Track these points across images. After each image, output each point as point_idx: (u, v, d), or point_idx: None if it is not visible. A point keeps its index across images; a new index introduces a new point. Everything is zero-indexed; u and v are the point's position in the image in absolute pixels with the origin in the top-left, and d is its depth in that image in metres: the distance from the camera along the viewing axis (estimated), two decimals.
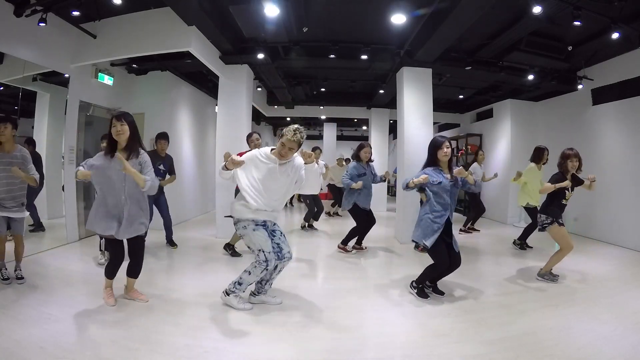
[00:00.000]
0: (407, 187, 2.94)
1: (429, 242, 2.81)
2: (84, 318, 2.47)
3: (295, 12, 4.21)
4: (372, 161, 4.54)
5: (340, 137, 13.49)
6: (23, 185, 3.04)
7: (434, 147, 2.96)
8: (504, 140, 7.44)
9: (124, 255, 2.72)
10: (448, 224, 2.90)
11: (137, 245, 2.71)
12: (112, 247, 2.69)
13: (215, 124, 5.50)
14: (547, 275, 3.51)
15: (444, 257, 2.85)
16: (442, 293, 3.07)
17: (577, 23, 3.63)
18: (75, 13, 4.12)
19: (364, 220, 4.42)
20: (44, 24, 3.68)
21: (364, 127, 12.79)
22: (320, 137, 13.20)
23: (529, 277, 3.61)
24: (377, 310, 2.77)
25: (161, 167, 4.23)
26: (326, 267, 3.95)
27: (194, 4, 3.60)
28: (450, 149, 2.92)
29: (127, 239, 2.63)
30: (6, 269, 3.10)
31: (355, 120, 11.51)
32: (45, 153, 4.33)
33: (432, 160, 2.98)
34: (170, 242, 4.52)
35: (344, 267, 3.88)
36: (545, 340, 2.29)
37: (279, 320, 2.56)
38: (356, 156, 4.47)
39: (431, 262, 2.96)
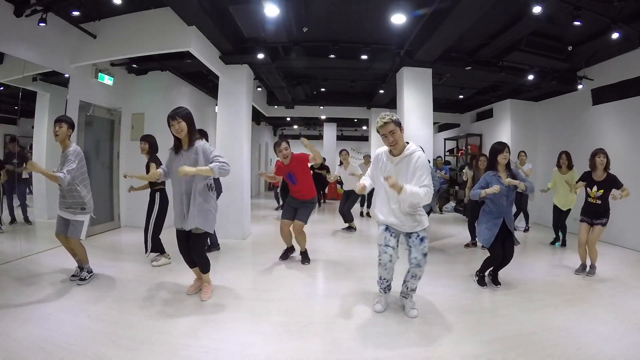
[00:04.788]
0: (479, 196, 3.21)
1: (487, 244, 3.22)
2: (84, 318, 2.47)
3: (295, 12, 4.21)
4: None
5: (340, 137, 13.51)
6: (72, 193, 3.06)
7: (495, 152, 3.25)
8: (504, 141, 7.41)
9: (185, 249, 2.87)
10: (504, 224, 3.19)
11: (193, 241, 2.80)
12: (178, 239, 2.86)
13: (215, 124, 5.50)
14: (584, 268, 3.73)
15: (497, 252, 3.23)
16: (498, 284, 3.33)
17: (577, 23, 3.64)
18: (75, 13, 4.11)
19: None
20: (44, 24, 3.69)
21: (364, 127, 12.81)
22: (320, 137, 13.22)
23: (529, 277, 3.61)
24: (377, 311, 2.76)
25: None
26: (326, 267, 3.95)
27: (194, 4, 3.60)
28: (508, 153, 3.23)
29: (190, 233, 2.77)
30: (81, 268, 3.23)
31: (355, 120, 11.53)
32: (45, 153, 4.33)
33: (491, 165, 3.30)
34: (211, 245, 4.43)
35: (344, 267, 3.88)
36: (545, 340, 2.29)
37: (279, 320, 2.56)
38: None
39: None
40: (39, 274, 3.29)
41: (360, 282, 3.45)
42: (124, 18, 4.37)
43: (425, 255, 2.61)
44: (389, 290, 2.86)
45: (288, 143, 3.91)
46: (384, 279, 2.77)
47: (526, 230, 6.15)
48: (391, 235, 2.66)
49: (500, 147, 3.24)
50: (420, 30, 4.40)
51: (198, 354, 2.08)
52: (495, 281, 3.35)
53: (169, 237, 3.93)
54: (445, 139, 10.22)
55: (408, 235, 2.65)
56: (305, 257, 4.08)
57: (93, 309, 2.63)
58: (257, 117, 10.62)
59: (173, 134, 2.66)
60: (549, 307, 2.85)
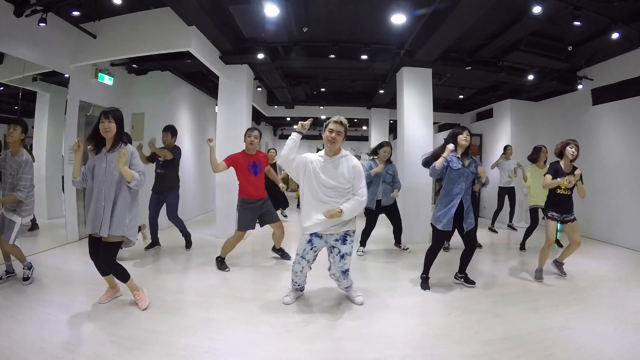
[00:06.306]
0: (431, 167, 3.06)
1: (441, 226, 3.06)
2: (84, 318, 2.47)
3: (295, 12, 4.21)
4: (391, 162, 4.42)
5: None
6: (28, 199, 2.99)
7: (454, 135, 3.15)
8: (504, 141, 7.43)
9: (97, 256, 2.62)
10: (461, 209, 3.09)
11: (104, 249, 2.54)
12: (90, 245, 2.61)
13: (215, 124, 5.50)
14: (537, 272, 3.55)
15: (439, 242, 3.19)
16: (473, 282, 3.29)
17: (577, 23, 3.64)
18: (75, 13, 4.12)
19: (371, 219, 4.41)
20: (44, 24, 3.69)
21: (364, 127, 12.79)
22: (320, 137, 13.20)
23: (528, 278, 3.61)
24: (377, 310, 2.77)
25: (161, 158, 4.16)
26: (325, 267, 3.95)
27: (193, 3, 3.60)
28: (469, 137, 3.13)
29: (102, 241, 2.52)
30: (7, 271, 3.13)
31: (355, 120, 11.51)
32: (45, 153, 4.33)
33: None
34: (186, 241, 4.49)
35: None
36: (545, 340, 2.29)
37: (279, 321, 2.56)
38: (374, 153, 4.40)
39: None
40: (39, 274, 3.28)
41: (360, 282, 3.45)
42: (124, 18, 4.37)
43: (345, 272, 2.74)
44: (302, 291, 3.02)
45: (260, 134, 3.95)
46: (296, 282, 2.91)
47: (510, 227, 6.21)
48: (311, 249, 2.75)
49: (460, 130, 3.16)
50: (420, 30, 4.40)
51: (198, 354, 2.08)
52: (468, 280, 3.30)
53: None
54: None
55: (331, 248, 2.75)
56: (285, 253, 4.19)
57: (93, 309, 2.63)
58: (257, 117, 10.61)
59: (99, 131, 2.51)
60: (548, 307, 2.85)
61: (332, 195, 2.62)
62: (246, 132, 3.85)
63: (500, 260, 4.49)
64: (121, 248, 2.72)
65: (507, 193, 6.07)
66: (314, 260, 2.82)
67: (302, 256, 2.75)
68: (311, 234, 2.70)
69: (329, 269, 2.82)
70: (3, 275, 3.10)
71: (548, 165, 3.53)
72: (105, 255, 2.57)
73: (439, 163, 3.00)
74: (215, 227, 5.34)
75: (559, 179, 3.31)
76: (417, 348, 2.22)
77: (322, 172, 2.63)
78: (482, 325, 2.52)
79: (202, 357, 2.06)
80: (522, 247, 4.80)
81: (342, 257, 2.70)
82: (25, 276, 3.04)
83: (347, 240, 2.71)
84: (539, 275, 3.51)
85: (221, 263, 3.76)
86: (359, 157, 6.38)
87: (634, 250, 4.77)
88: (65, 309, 2.60)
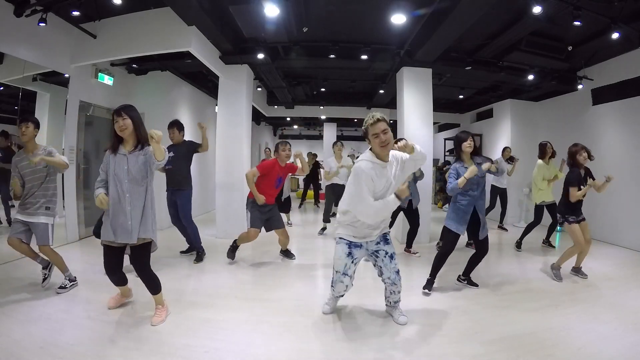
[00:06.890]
0: (451, 188, 3.02)
1: (461, 230, 3.08)
2: (84, 318, 2.48)
3: (295, 12, 4.21)
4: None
5: (340, 137, 13.49)
6: (46, 192, 2.89)
7: (459, 142, 3.15)
8: (504, 141, 7.44)
9: (118, 265, 2.49)
10: (475, 213, 3.11)
11: (138, 255, 2.41)
12: (109, 255, 2.43)
13: (215, 124, 5.50)
14: (555, 269, 3.57)
15: (452, 245, 3.15)
16: (476, 285, 3.27)
17: (577, 23, 3.64)
18: (75, 13, 4.12)
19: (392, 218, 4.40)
20: (44, 24, 3.69)
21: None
22: (320, 137, 13.22)
23: (529, 277, 3.61)
24: (377, 311, 2.77)
25: (171, 153, 4.01)
26: (326, 267, 3.95)
27: (193, 3, 3.60)
28: (472, 142, 3.14)
29: (130, 247, 2.41)
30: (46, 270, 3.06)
31: (355, 120, 11.51)
32: None
33: (457, 154, 3.22)
34: (196, 252, 4.09)
35: None
36: (545, 340, 2.29)
37: (279, 320, 2.56)
38: None
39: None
40: (39, 274, 3.28)
41: (360, 281, 3.44)
42: (124, 18, 4.38)
43: (398, 272, 2.51)
44: (342, 296, 2.72)
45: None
46: (334, 298, 2.70)
47: (500, 227, 6.20)
48: (352, 263, 2.48)
49: (464, 136, 3.13)
50: (420, 30, 4.40)
51: (198, 354, 2.08)
52: (472, 282, 3.28)
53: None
54: (445, 139, 10.22)
55: (375, 253, 2.50)
56: (290, 253, 4.23)
57: (93, 309, 2.63)
58: (257, 117, 10.61)
59: (116, 132, 2.34)
60: (549, 307, 2.85)
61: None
62: (280, 145, 3.86)
63: (499, 260, 4.49)
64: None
65: (499, 193, 6.06)
66: (354, 272, 2.55)
67: (344, 272, 2.47)
68: (350, 246, 2.45)
69: (380, 275, 2.54)
70: (45, 276, 3.04)
71: (565, 172, 3.68)
72: (140, 263, 2.42)
73: (460, 182, 2.95)
74: (215, 227, 5.34)
75: (582, 190, 3.43)
76: (417, 348, 2.22)
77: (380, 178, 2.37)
78: (482, 325, 2.52)
79: (202, 357, 2.07)
80: (519, 245, 4.80)
81: (392, 257, 2.48)
82: (63, 285, 2.94)
83: (388, 239, 2.52)
84: (557, 274, 3.53)
85: (232, 250, 4.00)
86: (357, 158, 6.36)
87: (634, 250, 4.77)
88: (66, 309, 2.61)
